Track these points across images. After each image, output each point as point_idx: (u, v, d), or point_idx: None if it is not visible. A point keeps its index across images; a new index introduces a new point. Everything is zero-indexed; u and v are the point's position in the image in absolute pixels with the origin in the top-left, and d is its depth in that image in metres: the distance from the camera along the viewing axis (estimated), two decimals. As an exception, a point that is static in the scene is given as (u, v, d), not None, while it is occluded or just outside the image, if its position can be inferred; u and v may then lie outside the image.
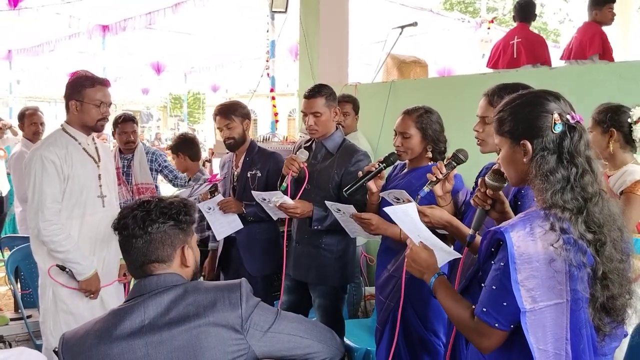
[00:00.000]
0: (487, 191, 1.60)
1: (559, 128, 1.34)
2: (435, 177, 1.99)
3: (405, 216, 1.69)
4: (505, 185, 1.61)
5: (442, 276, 1.56)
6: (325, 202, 2.53)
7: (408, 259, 1.64)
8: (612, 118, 2.48)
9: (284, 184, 2.67)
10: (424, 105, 2.47)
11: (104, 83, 2.64)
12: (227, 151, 3.58)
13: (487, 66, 4.72)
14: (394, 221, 1.74)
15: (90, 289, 2.58)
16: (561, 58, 4.58)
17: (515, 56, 4.42)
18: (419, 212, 1.78)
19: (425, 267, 1.59)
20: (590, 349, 1.30)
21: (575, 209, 1.30)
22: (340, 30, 4.86)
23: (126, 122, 4.08)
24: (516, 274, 1.25)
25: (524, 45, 4.39)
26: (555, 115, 1.34)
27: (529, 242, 1.27)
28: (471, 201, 1.68)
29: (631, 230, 2.43)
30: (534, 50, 4.36)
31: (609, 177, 2.53)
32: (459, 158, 2.04)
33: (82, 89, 2.57)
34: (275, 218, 2.87)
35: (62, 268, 2.55)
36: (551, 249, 1.26)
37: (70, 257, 2.53)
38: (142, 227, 1.49)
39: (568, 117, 1.35)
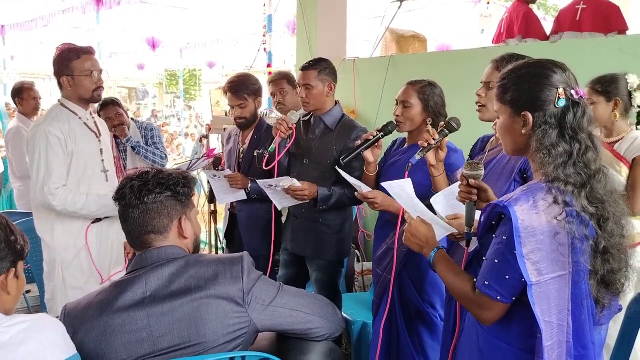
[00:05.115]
0: (470, 182, 1.59)
1: (562, 103, 1.32)
2: (428, 143, 1.97)
3: (402, 191, 1.71)
4: (483, 173, 1.60)
5: (442, 250, 1.56)
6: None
7: (407, 234, 1.64)
8: (615, 87, 2.59)
9: (273, 146, 2.64)
10: (429, 79, 2.45)
11: (89, 51, 2.59)
12: (225, 127, 3.55)
13: (493, 42, 4.72)
14: (392, 196, 1.75)
15: None
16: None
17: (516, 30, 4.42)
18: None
19: (424, 241, 1.59)
20: (590, 319, 1.31)
21: (578, 183, 1.30)
22: (338, 4, 4.79)
23: (106, 107, 3.74)
24: (521, 247, 1.25)
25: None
26: (560, 90, 1.33)
27: (533, 215, 1.27)
28: (457, 198, 1.67)
29: None
30: (527, 24, 4.37)
31: (612, 144, 2.61)
32: (451, 126, 2.02)
33: (69, 63, 2.53)
34: (280, 208, 2.78)
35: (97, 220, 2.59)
36: (555, 222, 1.26)
37: (93, 209, 2.52)
38: (139, 197, 1.49)
39: (572, 92, 1.33)
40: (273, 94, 3.58)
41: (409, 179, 1.76)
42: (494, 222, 1.37)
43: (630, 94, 2.58)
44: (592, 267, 1.29)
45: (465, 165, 1.60)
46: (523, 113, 1.37)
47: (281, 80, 3.53)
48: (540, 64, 1.40)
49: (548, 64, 1.39)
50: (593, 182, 1.31)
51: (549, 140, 1.33)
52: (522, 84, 1.38)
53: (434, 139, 1.97)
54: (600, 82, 2.62)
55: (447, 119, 2.05)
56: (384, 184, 1.75)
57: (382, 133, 2.35)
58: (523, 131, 1.38)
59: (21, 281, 1.38)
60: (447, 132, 2.01)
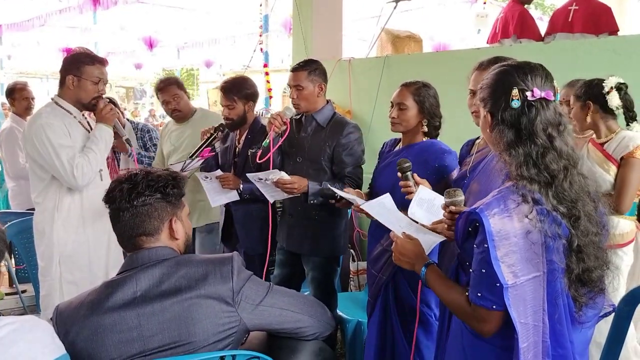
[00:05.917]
0: (451, 209, 1.60)
1: (516, 104, 1.33)
2: (411, 192, 2.03)
3: (382, 208, 1.71)
4: (462, 198, 1.62)
5: (433, 265, 1.56)
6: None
7: (395, 253, 1.64)
8: (587, 92, 2.66)
9: (267, 140, 2.66)
10: (423, 80, 2.47)
11: (103, 62, 2.65)
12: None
13: (487, 42, 4.72)
14: (374, 216, 1.78)
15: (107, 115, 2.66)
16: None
17: (511, 30, 4.43)
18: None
19: (413, 258, 1.59)
20: (567, 318, 1.31)
21: (542, 182, 1.30)
22: (333, 4, 4.81)
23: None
24: (495, 250, 1.25)
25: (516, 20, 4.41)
26: (514, 91, 1.33)
27: (505, 218, 1.27)
28: (444, 227, 1.69)
29: (633, 194, 2.55)
30: (522, 24, 4.39)
31: (602, 144, 2.66)
32: (406, 167, 2.09)
33: (82, 65, 2.56)
34: (271, 200, 2.80)
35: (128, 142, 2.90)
36: (526, 221, 1.26)
37: (99, 155, 2.58)
38: (128, 200, 1.49)
39: (528, 93, 1.33)
40: (166, 102, 3.41)
41: (388, 194, 1.78)
42: (470, 229, 1.37)
43: (604, 96, 2.62)
44: (566, 265, 1.29)
45: (445, 194, 1.62)
46: (484, 114, 1.42)
47: (170, 86, 3.40)
48: (505, 65, 1.42)
49: (513, 65, 1.40)
50: (556, 181, 1.31)
51: (505, 139, 1.35)
52: (488, 85, 1.42)
53: (409, 186, 2.05)
54: (579, 87, 2.71)
55: (397, 166, 2.11)
56: (362, 206, 1.80)
57: (216, 133, 2.53)
58: (488, 130, 1.42)
59: None
60: (408, 172, 2.08)
